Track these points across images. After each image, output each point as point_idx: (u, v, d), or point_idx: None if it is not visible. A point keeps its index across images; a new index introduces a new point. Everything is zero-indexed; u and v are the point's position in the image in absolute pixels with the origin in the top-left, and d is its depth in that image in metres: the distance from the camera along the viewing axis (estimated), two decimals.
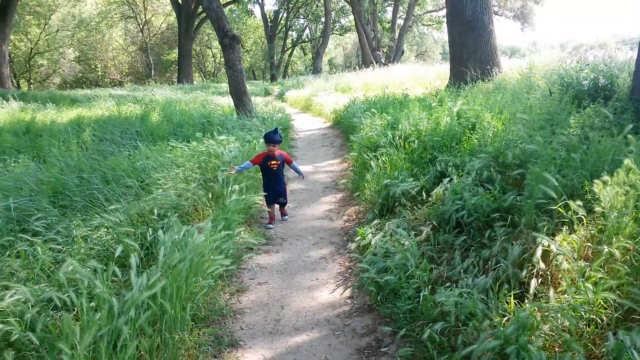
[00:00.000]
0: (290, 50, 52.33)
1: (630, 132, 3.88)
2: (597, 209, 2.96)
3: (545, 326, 2.35)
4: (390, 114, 8.78)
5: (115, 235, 3.84)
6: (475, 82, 11.07)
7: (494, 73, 11.86)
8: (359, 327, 3.39)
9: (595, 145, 4.03)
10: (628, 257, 2.67)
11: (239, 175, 5.78)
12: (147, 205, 4.32)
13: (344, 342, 3.24)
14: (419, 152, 6.14)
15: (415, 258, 3.41)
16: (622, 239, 2.72)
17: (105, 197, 4.73)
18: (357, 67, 27.35)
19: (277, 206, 5.83)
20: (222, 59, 19.27)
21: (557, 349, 2.32)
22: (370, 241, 4.12)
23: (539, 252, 2.91)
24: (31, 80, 42.60)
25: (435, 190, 4.61)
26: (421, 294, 2.93)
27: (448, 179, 4.65)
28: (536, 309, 2.43)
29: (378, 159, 6.22)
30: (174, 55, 46.03)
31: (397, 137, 6.84)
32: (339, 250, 4.80)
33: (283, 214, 5.87)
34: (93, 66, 47.41)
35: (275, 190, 5.62)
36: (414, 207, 4.67)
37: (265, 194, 5.59)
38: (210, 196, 5.14)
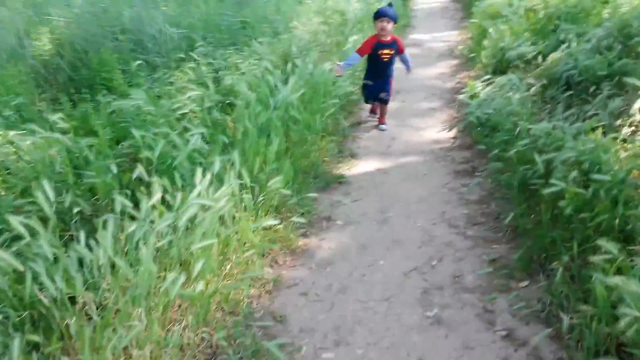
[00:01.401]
0: None
1: None
2: None
3: (624, 154, 2.75)
4: None
5: (262, 64, 4.59)
6: None
7: None
8: (458, 157, 3.97)
9: None
10: None
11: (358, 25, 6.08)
12: (287, 43, 5.01)
13: (443, 165, 3.87)
14: (542, 22, 6.10)
15: (520, 106, 3.80)
16: None
17: (249, 36, 5.48)
18: None
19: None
20: None
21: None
22: (479, 93, 4.51)
23: (637, 104, 3.18)
24: None
25: (551, 55, 4.77)
26: (518, 127, 3.39)
27: (566, 44, 4.76)
28: (618, 140, 2.82)
29: (498, 27, 6.29)
30: None
31: (523, 8, 6.74)
32: (448, 104, 5.26)
33: (380, 122, 4.69)
34: None
35: (377, 87, 4.45)
36: (527, 69, 4.91)
37: (364, 88, 4.55)
38: (335, 44, 5.70)
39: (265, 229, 2.67)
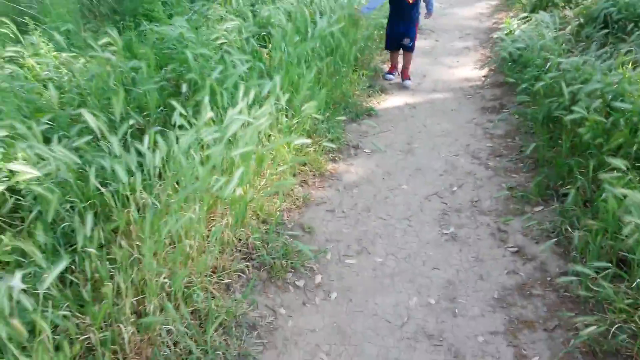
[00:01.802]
0: None
1: None
2: None
3: None
4: None
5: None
6: None
7: None
8: (487, 94, 4.03)
9: None
10: None
11: None
12: None
13: (472, 102, 3.94)
14: None
15: (553, 42, 3.79)
16: None
17: None
18: None
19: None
20: None
21: None
22: (515, 30, 4.48)
23: None
24: None
25: None
26: (548, 62, 3.41)
27: None
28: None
29: None
30: None
31: None
32: (482, 44, 5.23)
33: (405, 77, 4.33)
34: None
35: (401, 31, 4.11)
36: (568, 7, 4.81)
37: (386, 32, 4.24)
38: None
39: (297, 149, 2.87)
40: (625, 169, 1.98)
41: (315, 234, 2.52)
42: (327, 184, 2.94)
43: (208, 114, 2.12)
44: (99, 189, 1.89)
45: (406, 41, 4.14)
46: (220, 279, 2.10)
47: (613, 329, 1.70)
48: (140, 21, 4.37)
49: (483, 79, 4.34)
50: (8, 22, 3.59)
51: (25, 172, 1.69)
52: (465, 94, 4.09)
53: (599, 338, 1.75)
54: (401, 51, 4.25)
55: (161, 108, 2.84)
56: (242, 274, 2.18)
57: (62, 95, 2.77)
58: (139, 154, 1.98)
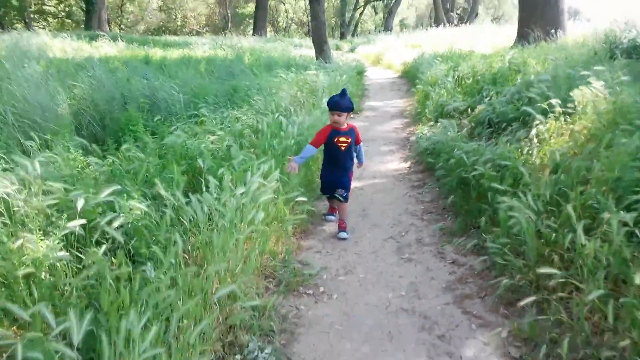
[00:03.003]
0: (362, 9, 52.85)
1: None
2: (571, 105, 4.65)
3: (521, 156, 4.16)
4: (453, 60, 10.41)
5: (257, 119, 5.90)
6: (539, 43, 12.27)
7: (558, 36, 12.93)
8: (413, 178, 5.34)
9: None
10: (585, 131, 4.41)
11: (326, 91, 7.58)
12: (273, 103, 6.39)
13: (402, 183, 5.21)
14: (472, 86, 7.84)
15: (456, 137, 5.26)
16: (583, 121, 4.45)
17: (241, 98, 6.85)
18: (429, 27, 28.30)
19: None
20: (294, 15, 21.49)
21: None
22: (426, 134, 5.98)
23: (533, 130, 4.67)
24: (122, 26, 46.23)
25: (478, 107, 6.38)
26: (455, 148, 4.79)
27: (488, 98, 6.40)
28: (519, 151, 4.25)
29: (438, 90, 7.99)
30: (249, 8, 48.01)
31: (456, 77, 8.53)
32: (402, 147, 6.72)
33: (341, 228, 4.02)
34: (173, 16, 50.53)
35: (335, 179, 4.05)
36: (461, 117, 6.48)
37: (321, 178, 4.20)
38: (312, 103, 7.15)
39: (292, 208, 3.84)
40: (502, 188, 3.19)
41: (312, 265, 3.43)
42: (311, 237, 3.91)
43: (229, 179, 3.11)
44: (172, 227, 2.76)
45: (340, 192, 4.04)
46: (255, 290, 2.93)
47: (517, 282, 2.75)
48: (126, 138, 5.34)
49: (408, 168, 5.68)
50: (35, 138, 4.39)
51: (139, 207, 2.55)
52: (397, 179, 5.37)
53: (509, 292, 2.79)
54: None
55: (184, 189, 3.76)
56: (268, 288, 3.03)
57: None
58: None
